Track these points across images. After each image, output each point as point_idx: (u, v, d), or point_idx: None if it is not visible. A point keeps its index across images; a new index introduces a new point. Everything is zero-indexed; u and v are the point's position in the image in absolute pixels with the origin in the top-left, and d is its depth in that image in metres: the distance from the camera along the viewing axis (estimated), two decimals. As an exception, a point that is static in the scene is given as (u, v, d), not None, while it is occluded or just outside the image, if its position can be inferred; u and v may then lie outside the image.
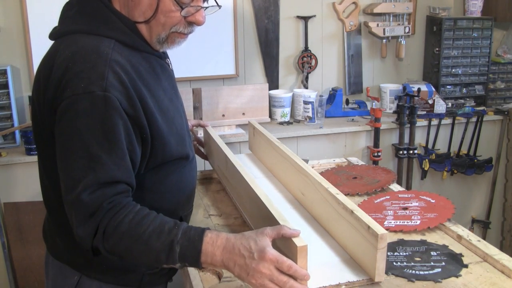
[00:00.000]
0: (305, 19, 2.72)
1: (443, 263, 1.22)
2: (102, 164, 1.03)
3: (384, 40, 2.86)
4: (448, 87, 2.93)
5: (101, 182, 1.03)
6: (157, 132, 1.14)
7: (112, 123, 1.04)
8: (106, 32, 1.12)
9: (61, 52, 1.09)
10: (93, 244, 1.05)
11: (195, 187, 1.41)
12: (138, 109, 1.09)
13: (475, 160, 2.84)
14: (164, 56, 1.30)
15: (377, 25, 2.82)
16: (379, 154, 2.65)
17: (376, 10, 2.77)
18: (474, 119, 2.83)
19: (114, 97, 1.04)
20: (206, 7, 1.17)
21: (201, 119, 2.47)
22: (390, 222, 1.41)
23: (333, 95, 2.78)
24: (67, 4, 1.19)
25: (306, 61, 2.75)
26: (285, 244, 1.07)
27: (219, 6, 1.21)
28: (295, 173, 1.53)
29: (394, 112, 2.75)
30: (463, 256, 1.26)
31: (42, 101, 1.11)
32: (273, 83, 2.74)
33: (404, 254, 1.26)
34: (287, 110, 2.68)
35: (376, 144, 2.64)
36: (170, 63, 1.35)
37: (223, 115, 2.51)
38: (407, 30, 2.83)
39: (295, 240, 1.02)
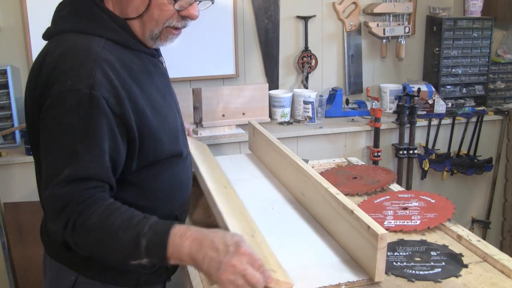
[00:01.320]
0: (305, 19, 2.72)
1: (443, 263, 1.22)
2: (79, 161, 1.03)
3: (384, 40, 2.86)
4: (448, 87, 2.93)
5: (74, 177, 1.02)
6: (149, 130, 1.14)
7: (95, 121, 1.04)
8: (97, 31, 1.13)
9: (52, 51, 1.10)
10: (63, 237, 1.04)
11: (191, 185, 1.40)
12: (126, 107, 1.09)
13: (475, 160, 2.84)
14: (157, 54, 1.30)
15: (377, 25, 2.81)
16: (379, 154, 2.65)
17: (376, 10, 2.77)
18: (474, 119, 2.83)
19: (100, 96, 1.04)
20: (200, 1, 1.18)
21: (201, 119, 2.47)
22: (390, 222, 1.41)
23: (333, 95, 2.78)
24: (59, 4, 1.20)
25: (306, 61, 2.75)
26: None
27: (212, 1, 1.22)
28: (295, 173, 1.52)
29: (394, 112, 2.75)
30: (463, 256, 1.26)
31: (32, 100, 1.11)
32: (273, 83, 2.74)
33: (404, 254, 1.26)
34: (287, 110, 2.68)
35: (376, 144, 2.64)
36: (164, 62, 1.35)
37: (223, 115, 2.51)
38: (407, 30, 2.82)
39: (280, 277, 0.98)
